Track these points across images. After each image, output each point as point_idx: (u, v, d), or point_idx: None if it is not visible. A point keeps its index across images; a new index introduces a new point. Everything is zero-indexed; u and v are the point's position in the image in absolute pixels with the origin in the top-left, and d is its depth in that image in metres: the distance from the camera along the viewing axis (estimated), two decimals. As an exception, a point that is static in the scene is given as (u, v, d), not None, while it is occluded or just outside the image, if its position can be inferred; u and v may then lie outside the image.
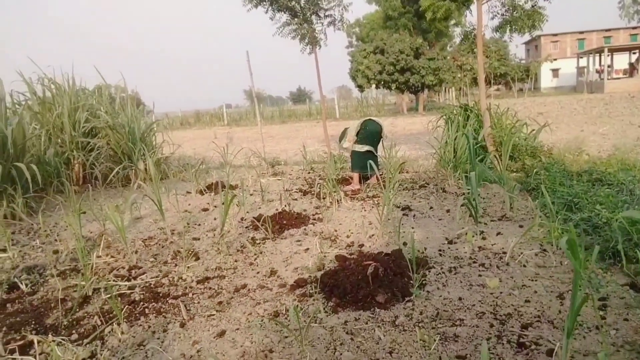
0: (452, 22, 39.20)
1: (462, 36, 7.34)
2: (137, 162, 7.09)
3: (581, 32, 53.89)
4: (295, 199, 5.83)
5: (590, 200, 3.97)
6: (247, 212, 5.25)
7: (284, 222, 4.70)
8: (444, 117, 7.61)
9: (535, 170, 5.44)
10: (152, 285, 3.35)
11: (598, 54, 40.52)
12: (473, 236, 3.88)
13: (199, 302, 3.04)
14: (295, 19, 7.50)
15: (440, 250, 3.66)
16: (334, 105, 31.54)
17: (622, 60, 42.63)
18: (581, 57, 44.00)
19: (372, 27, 43.18)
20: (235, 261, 3.76)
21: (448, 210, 4.87)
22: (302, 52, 7.77)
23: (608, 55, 38.61)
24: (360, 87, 30.70)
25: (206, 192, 6.46)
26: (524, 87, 46.80)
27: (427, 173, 6.61)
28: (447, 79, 28.68)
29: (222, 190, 5.60)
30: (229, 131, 21.63)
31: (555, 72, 53.48)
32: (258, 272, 3.50)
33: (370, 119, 6.51)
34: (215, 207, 5.63)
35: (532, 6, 6.27)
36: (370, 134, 6.35)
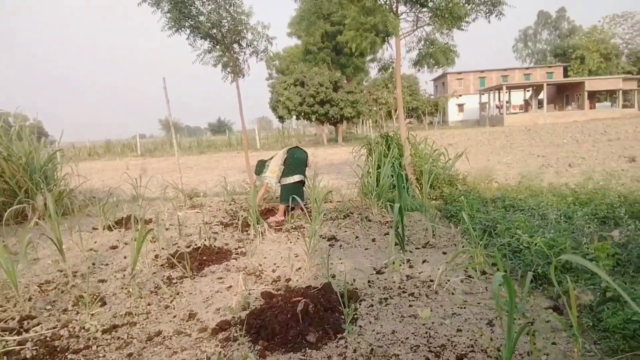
0: (369, 58, 41.40)
1: (380, 68, 7.61)
2: (35, 197, 6.37)
3: (482, 71, 59.26)
4: (216, 233, 5.55)
5: (507, 225, 4.13)
6: (163, 248, 4.88)
7: (204, 258, 4.41)
8: (366, 146, 7.76)
9: (454, 198, 5.64)
10: (47, 339, 2.89)
11: (497, 91, 44.70)
12: (400, 265, 3.86)
13: (104, 356, 2.67)
14: (218, 46, 7.34)
15: (369, 281, 3.59)
16: (255, 136, 31.41)
17: (518, 97, 47.40)
18: (483, 94, 48.26)
19: (292, 60, 44.14)
20: (149, 304, 3.41)
21: (374, 239, 4.86)
22: (223, 80, 7.61)
23: (506, 92, 42.74)
24: (281, 118, 30.99)
25: (115, 228, 5.95)
26: (433, 121, 50.11)
27: (351, 202, 6.62)
28: (364, 112, 29.86)
29: (134, 225, 5.18)
30: (142, 162, 20.54)
31: (461, 107, 57.97)
32: (175, 316, 3.18)
33: (296, 147, 6.45)
34: (126, 244, 5.20)
35: (445, 43, 6.68)
36: (299, 161, 6.27)
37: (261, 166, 6.50)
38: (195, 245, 4.92)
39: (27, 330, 3.03)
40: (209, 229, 5.65)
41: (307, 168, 6.40)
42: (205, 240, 5.08)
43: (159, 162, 21.24)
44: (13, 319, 3.23)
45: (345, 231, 5.30)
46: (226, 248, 4.81)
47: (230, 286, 3.69)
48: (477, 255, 3.67)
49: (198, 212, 6.89)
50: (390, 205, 5.84)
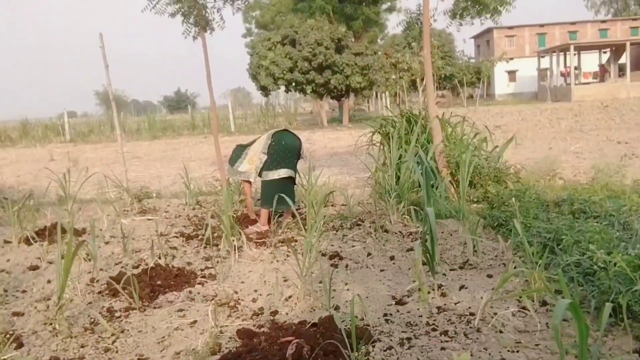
0: (385, 6, 41.43)
1: (406, 25, 7.62)
2: None
3: (541, 26, 59.37)
4: (175, 248, 5.56)
5: (576, 238, 4.14)
6: (101, 269, 4.89)
7: (158, 282, 4.42)
8: (381, 130, 7.78)
9: (503, 200, 5.65)
10: (-59, 394, 2.89)
11: (563, 53, 44.82)
12: (429, 292, 3.88)
13: (21, 418, 2.66)
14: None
15: (386, 315, 3.60)
16: (228, 115, 31.43)
17: (591, 61, 47.46)
18: (542, 57, 48.35)
19: (279, 11, 44.18)
20: (82, 347, 3.41)
21: (392, 258, 4.88)
22: (185, 36, 7.59)
23: (574, 54, 42.87)
24: (264, 90, 30.98)
25: (36, 241, 5.95)
26: (474, 93, 50.23)
27: (361, 206, 6.64)
28: (379, 81, 29.90)
29: (62, 238, 5.18)
30: (73, 150, 20.54)
31: (512, 74, 58.12)
32: (118, 363, 3.18)
33: (285, 131, 6.45)
34: (50, 263, 5.18)
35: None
36: (288, 150, 6.26)
37: (238, 154, 6.51)
38: (147, 265, 4.91)
39: None
40: (165, 243, 5.66)
41: (299, 160, 6.41)
42: (160, 258, 5.08)
43: (96, 150, 21.23)
44: None
45: (354, 246, 5.31)
46: (189, 269, 4.81)
47: (195, 321, 3.68)
48: (534, 279, 3.69)
49: (150, 220, 6.89)
50: (415, 210, 5.86)
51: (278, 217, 6.37)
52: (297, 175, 6.46)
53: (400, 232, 5.73)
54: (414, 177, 6.40)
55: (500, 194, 6.11)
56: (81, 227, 6.52)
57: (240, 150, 6.52)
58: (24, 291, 4.51)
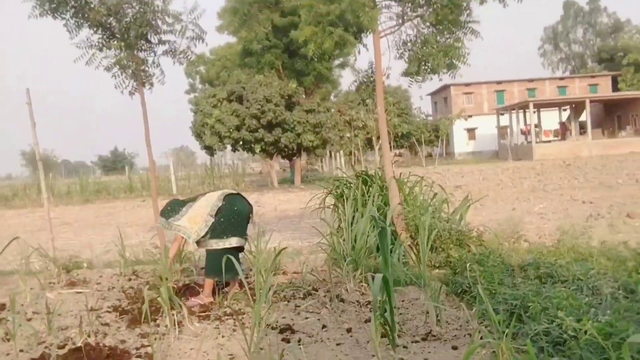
0: (337, 62, 42.53)
1: (358, 84, 7.81)
2: None
3: (499, 82, 61.91)
4: (107, 324, 5.38)
5: (544, 305, 4.19)
6: (22, 350, 4.68)
7: (88, 364, 4.23)
8: (334, 191, 7.83)
9: (466, 265, 5.71)
10: None
11: (522, 110, 46.69)
12: (389, 368, 3.83)
13: None
14: (115, 42, 7.36)
15: (342, 395, 3.52)
16: (170, 175, 31.21)
17: (551, 119, 49.56)
18: (502, 114, 50.25)
19: (225, 66, 44.79)
20: None
21: (349, 330, 4.84)
22: (121, 90, 7.60)
23: (534, 111, 44.72)
24: (209, 149, 31.03)
25: (-53, 320, 5.66)
26: (433, 152, 51.55)
27: (314, 273, 6.59)
28: (333, 139, 30.37)
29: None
30: (-6, 216, 19.92)
31: (471, 132, 60.00)
32: None
33: (237, 194, 6.40)
34: (-37, 344, 4.92)
35: (446, 39, 6.95)
36: (240, 217, 6.21)
37: (174, 208, 6.34)
38: (74, 344, 4.73)
39: None
40: (96, 319, 5.48)
41: (248, 227, 6.37)
42: (89, 336, 4.91)
43: (20, 215, 20.66)
44: None
45: (307, 317, 5.25)
46: (122, 348, 4.65)
47: (128, 408, 3.53)
48: (502, 350, 3.68)
49: (79, 293, 6.69)
50: (373, 276, 5.84)
51: (224, 288, 6.25)
52: (247, 242, 6.39)
53: (357, 301, 5.70)
54: (370, 241, 6.43)
55: (463, 258, 6.17)
56: (1, 301, 6.24)
57: (177, 205, 6.35)
58: None
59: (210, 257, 6.12)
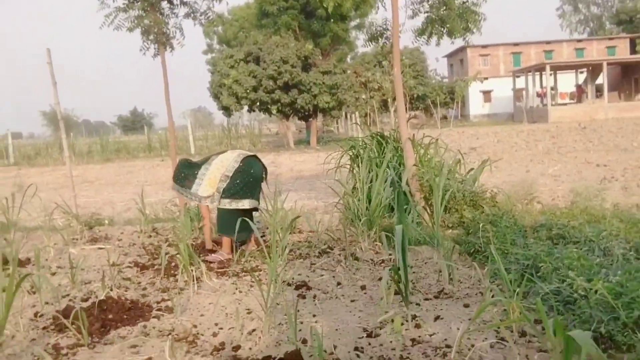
0: (354, 23, 42.02)
1: (369, 37, 7.70)
2: None
3: (516, 44, 60.89)
4: (129, 279, 5.48)
5: (555, 265, 4.21)
6: (47, 302, 4.78)
7: (110, 316, 4.34)
8: (350, 152, 7.83)
9: (479, 226, 5.71)
10: None
11: (538, 73, 45.98)
12: (403, 324, 3.88)
13: None
14: (138, 3, 7.34)
15: (357, 348, 3.59)
16: (188, 136, 31.31)
17: (567, 81, 48.82)
18: (518, 77, 49.59)
19: (242, 27, 44.44)
20: (24, 388, 3.30)
21: (363, 287, 4.88)
22: (143, 52, 7.60)
23: (551, 74, 44.03)
24: (227, 110, 31.02)
25: (-25, 273, 5.79)
26: (448, 114, 51.09)
27: (329, 232, 6.64)
28: (349, 101, 30.19)
29: (4, 268, 5.09)
30: (17, 174, 20.16)
31: (486, 94, 59.34)
32: (65, 405, 3.09)
33: (254, 157, 6.37)
34: (-10, 296, 5.04)
35: (464, 2, 6.83)
36: (255, 180, 6.24)
37: (188, 172, 6.28)
38: (97, 297, 4.81)
39: None
40: (117, 274, 5.57)
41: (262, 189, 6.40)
42: (111, 290, 5.00)
43: (43, 174, 20.87)
44: None
45: (322, 275, 5.30)
46: (144, 302, 4.74)
47: (150, 358, 3.62)
48: (512, 308, 3.72)
49: (101, 249, 6.79)
50: (387, 236, 5.88)
51: (240, 246, 6.32)
52: (259, 203, 6.42)
53: (371, 259, 5.74)
54: (385, 201, 6.44)
55: (476, 219, 6.17)
56: (25, 257, 6.37)
57: (190, 168, 6.30)
58: (-41, 327, 4.38)
59: (223, 216, 6.17)
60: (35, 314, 4.53)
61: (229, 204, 6.10)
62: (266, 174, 6.42)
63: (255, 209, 6.40)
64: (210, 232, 6.54)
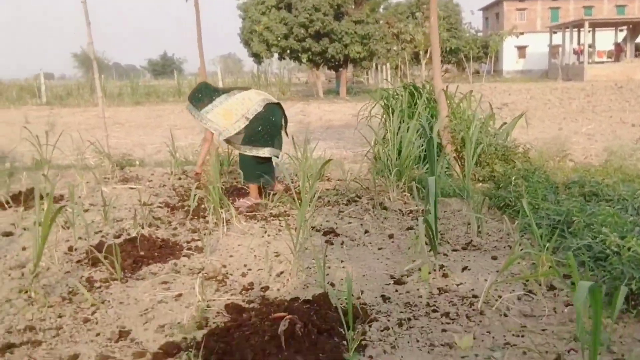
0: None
1: None
2: None
3: (555, -1, 59.03)
4: (159, 219, 5.55)
5: (587, 221, 4.16)
6: (80, 237, 4.88)
7: (142, 253, 4.43)
8: (382, 102, 7.75)
9: (510, 180, 5.66)
10: None
11: (576, 29, 44.70)
12: (430, 273, 3.89)
13: (-6, 387, 2.67)
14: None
15: (384, 294, 3.62)
16: (217, 82, 31.23)
17: (606, 39, 47.37)
18: (555, 32, 48.25)
19: (275, -29, 43.68)
20: (60, 316, 3.42)
21: (391, 236, 4.90)
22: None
23: (589, 31, 42.76)
24: (257, 57, 30.84)
25: (10, 206, 5.96)
26: (481, 69, 50.13)
27: (358, 181, 6.64)
28: (380, 52, 29.77)
29: (39, 203, 5.18)
30: (50, 114, 20.40)
31: (521, 50, 58.01)
32: (98, 334, 3.20)
33: (277, 104, 6.26)
34: (25, 229, 5.19)
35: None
36: (276, 128, 6.18)
37: (205, 94, 6.11)
38: (129, 235, 4.92)
39: None
40: (148, 213, 5.65)
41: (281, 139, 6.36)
42: (143, 228, 5.09)
43: (74, 114, 21.09)
44: None
45: (350, 222, 5.33)
46: (174, 241, 4.83)
47: (180, 294, 3.70)
48: (542, 262, 3.71)
49: (133, 188, 6.88)
50: (417, 187, 5.86)
51: (269, 191, 6.35)
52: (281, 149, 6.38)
53: (399, 209, 5.74)
54: (415, 152, 6.40)
55: (508, 174, 6.11)
56: (59, 193, 6.49)
57: (208, 91, 6.13)
58: (-4, 258, 4.51)
59: (245, 164, 6.15)
60: (70, 248, 4.64)
61: (249, 151, 6.06)
62: (286, 124, 6.35)
63: (276, 157, 6.38)
64: (205, 154, 6.38)
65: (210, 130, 6.09)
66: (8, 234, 5.08)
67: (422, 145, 6.38)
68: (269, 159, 6.25)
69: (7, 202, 6.00)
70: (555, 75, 41.96)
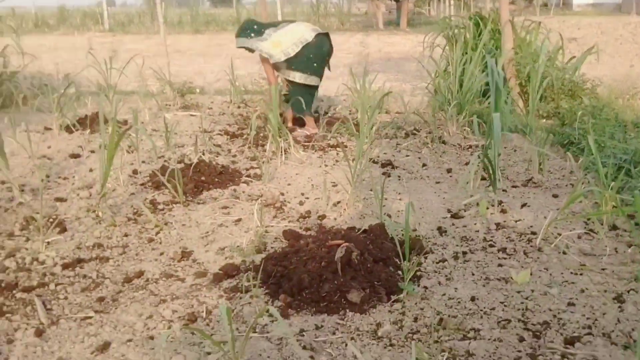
0: None
1: None
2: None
3: None
4: (219, 145, 5.64)
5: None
6: (144, 161, 5.02)
7: (202, 178, 4.53)
8: (445, 32, 7.53)
9: (576, 117, 5.49)
10: (-12, 270, 3.08)
11: (655, -42, 41.90)
12: (488, 208, 3.86)
13: (66, 298, 2.84)
14: None
15: (441, 228, 3.62)
16: (276, 11, 30.85)
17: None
18: (631, -38, 45.34)
19: None
20: (125, 235, 3.57)
21: (449, 170, 4.86)
22: None
23: (669, -40, 40.00)
24: (316, -14, 30.19)
25: (77, 129, 6.13)
26: (549, 1, 47.83)
27: (417, 114, 6.54)
28: (444, -18, 28.70)
29: (104, 127, 5.31)
30: (112, 40, 20.68)
31: (594, -19, 54.89)
32: (162, 253, 3.33)
33: (325, 34, 6.23)
34: (92, 152, 5.37)
35: None
36: (323, 58, 6.16)
37: (252, 28, 6.12)
38: (190, 160, 5.02)
39: (-41, 258, 3.23)
40: (208, 139, 5.74)
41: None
42: (203, 154, 5.18)
43: (136, 41, 21.26)
44: (-60, 241, 3.43)
45: (407, 155, 5.30)
46: (234, 167, 4.91)
47: (240, 219, 3.79)
48: (606, 201, 3.61)
49: (193, 115, 6.97)
50: (477, 121, 5.75)
51: (328, 121, 6.33)
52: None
53: (458, 144, 5.66)
54: (477, 86, 6.24)
55: (574, 110, 5.92)
56: (123, 118, 6.63)
57: (255, 25, 6.16)
58: (65, 178, 4.68)
59: (296, 93, 6.14)
60: (134, 171, 4.78)
61: (299, 78, 6.06)
62: (330, 56, 6.27)
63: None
64: (273, 75, 6.33)
65: (262, 54, 6.07)
66: (75, 156, 5.26)
67: (485, 79, 6.20)
68: (315, 88, 6.24)
69: (74, 126, 6.18)
70: (629, 9, 39.66)
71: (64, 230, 3.62)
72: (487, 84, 6.01)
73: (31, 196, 4.19)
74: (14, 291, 2.88)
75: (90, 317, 2.65)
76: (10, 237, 3.52)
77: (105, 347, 2.42)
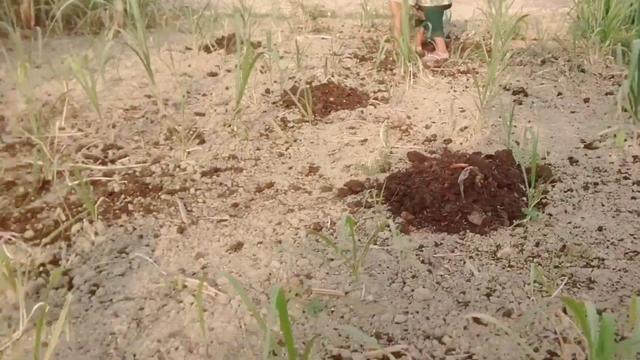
0: None
1: None
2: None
3: None
4: (348, 68, 5.67)
5: None
6: (276, 81, 5.17)
7: (331, 99, 4.62)
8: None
9: None
10: (137, 173, 3.39)
11: None
12: (626, 140, 3.68)
13: (204, 202, 3.08)
14: None
15: (572, 158, 3.51)
16: None
17: None
18: None
19: None
20: (258, 149, 3.76)
21: (587, 100, 4.62)
22: None
23: None
24: None
25: (214, 49, 6.37)
26: None
27: (556, 41, 6.20)
28: None
29: (239, 48, 5.51)
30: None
31: None
32: (291, 167, 3.49)
33: None
34: (228, 71, 5.57)
35: None
36: None
37: None
38: (319, 82, 5.10)
39: (112, 161, 3.57)
40: (338, 62, 5.78)
41: None
42: (333, 76, 5.24)
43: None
44: (96, 146, 3.79)
45: (542, 84, 5.08)
46: (361, 90, 4.94)
47: (365, 140, 3.86)
48: None
49: (324, 39, 7.01)
50: (622, 50, 5.37)
51: (460, 47, 6.16)
52: None
53: (599, 73, 5.33)
54: (626, 11, 5.79)
55: None
56: (256, 40, 6.81)
57: None
58: (204, 94, 4.93)
59: (429, 16, 5.99)
60: (266, 91, 4.95)
61: (430, 2, 5.92)
62: None
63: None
64: (400, 25, 6.24)
65: None
66: (213, 74, 5.51)
67: (634, 4, 5.74)
68: (446, 8, 6.17)
69: (213, 46, 6.43)
70: None
71: (202, 141, 3.87)
72: (636, 9, 5.59)
73: (174, 110, 4.49)
74: (159, 193, 3.16)
75: (225, 220, 2.87)
76: (155, 146, 3.83)
77: (238, 246, 2.63)
